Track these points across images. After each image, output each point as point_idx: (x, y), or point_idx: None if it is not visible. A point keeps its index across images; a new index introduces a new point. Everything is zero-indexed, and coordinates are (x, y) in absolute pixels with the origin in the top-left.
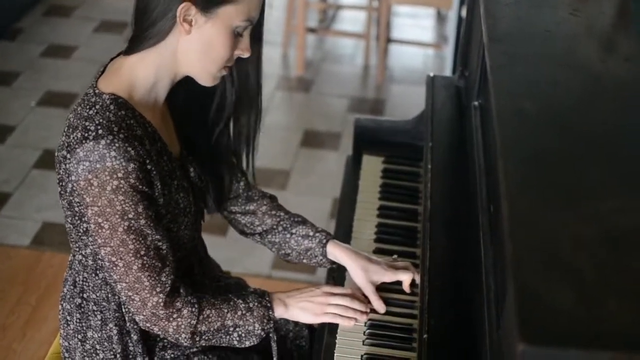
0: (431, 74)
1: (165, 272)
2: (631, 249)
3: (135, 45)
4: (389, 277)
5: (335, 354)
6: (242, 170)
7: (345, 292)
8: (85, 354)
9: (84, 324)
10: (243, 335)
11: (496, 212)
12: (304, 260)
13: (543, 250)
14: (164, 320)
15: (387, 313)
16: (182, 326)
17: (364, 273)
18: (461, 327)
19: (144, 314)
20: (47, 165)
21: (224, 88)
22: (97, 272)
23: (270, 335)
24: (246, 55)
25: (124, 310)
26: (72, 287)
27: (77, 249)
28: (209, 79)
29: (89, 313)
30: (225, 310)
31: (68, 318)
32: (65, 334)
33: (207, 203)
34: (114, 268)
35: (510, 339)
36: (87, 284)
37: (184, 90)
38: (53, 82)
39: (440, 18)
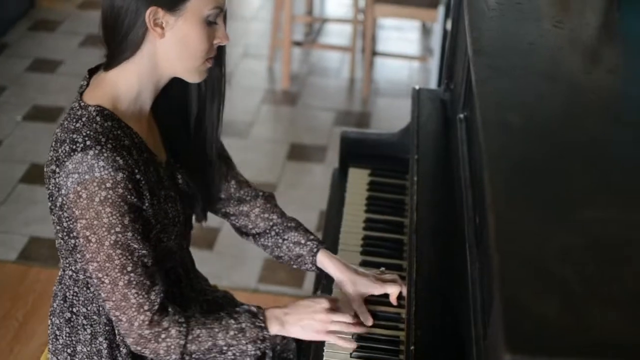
0: (417, 87)
1: (154, 290)
2: (617, 259)
3: (112, 60)
4: (376, 289)
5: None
6: (231, 169)
7: (345, 318)
8: None
9: (73, 338)
10: (237, 354)
11: (482, 223)
12: (294, 266)
13: (529, 261)
14: (152, 342)
15: (374, 325)
16: (172, 347)
17: (351, 285)
18: (448, 338)
19: (133, 336)
20: (34, 179)
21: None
22: (89, 285)
23: (267, 352)
24: (225, 42)
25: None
26: (62, 302)
27: (67, 265)
28: (196, 75)
29: (79, 327)
30: (217, 330)
31: (57, 333)
32: (54, 348)
33: (195, 211)
34: (101, 285)
35: (497, 349)
36: (77, 298)
37: (164, 96)
38: (39, 97)
39: (425, 31)
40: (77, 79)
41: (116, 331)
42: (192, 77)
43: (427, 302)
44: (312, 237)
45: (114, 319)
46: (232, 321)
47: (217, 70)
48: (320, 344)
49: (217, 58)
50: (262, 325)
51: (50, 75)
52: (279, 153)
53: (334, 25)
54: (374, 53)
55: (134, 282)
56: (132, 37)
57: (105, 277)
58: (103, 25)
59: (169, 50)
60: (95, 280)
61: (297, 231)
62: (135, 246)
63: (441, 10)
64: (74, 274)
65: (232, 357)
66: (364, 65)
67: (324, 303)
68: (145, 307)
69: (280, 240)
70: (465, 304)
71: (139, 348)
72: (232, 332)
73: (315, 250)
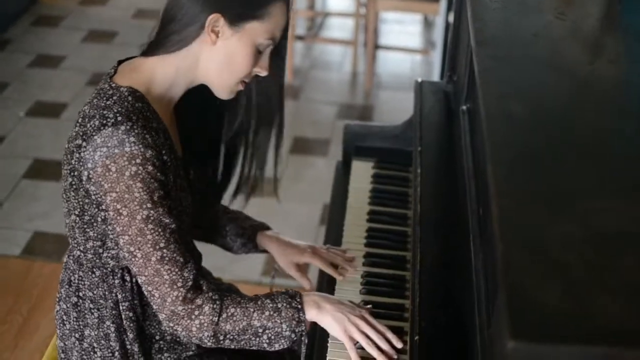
0: (419, 79)
1: (187, 267)
2: (618, 248)
3: (156, 47)
4: (306, 258)
5: (327, 358)
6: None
7: (381, 328)
8: (82, 352)
9: (80, 323)
10: (272, 337)
11: (485, 214)
12: (245, 254)
13: (532, 250)
14: (185, 319)
15: (377, 316)
16: (205, 324)
17: (284, 256)
18: (452, 329)
19: (165, 312)
20: (37, 174)
21: (238, 105)
22: (94, 269)
23: (302, 338)
24: (263, 74)
25: (121, 308)
26: (67, 287)
27: (76, 245)
28: (226, 92)
29: (86, 311)
30: (252, 310)
31: (64, 318)
32: (61, 334)
33: (207, 206)
34: (133, 259)
35: (501, 337)
36: (82, 282)
37: (198, 97)
38: (41, 92)
39: (427, 24)
40: (80, 74)
41: (123, 315)
42: (222, 92)
43: (431, 293)
44: (248, 225)
45: (146, 293)
46: (269, 301)
47: (276, 100)
48: (324, 336)
49: (279, 88)
50: (299, 307)
51: (53, 70)
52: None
53: (336, 19)
54: (376, 46)
55: (167, 259)
56: (185, 33)
57: (137, 251)
58: (163, 13)
59: (213, 59)
60: (127, 254)
61: (235, 222)
62: (167, 221)
63: (443, 2)
64: (82, 254)
65: (267, 340)
66: (367, 59)
67: (365, 312)
68: (179, 284)
69: (225, 233)
70: (469, 294)
71: (171, 324)
72: (267, 313)
73: (252, 236)
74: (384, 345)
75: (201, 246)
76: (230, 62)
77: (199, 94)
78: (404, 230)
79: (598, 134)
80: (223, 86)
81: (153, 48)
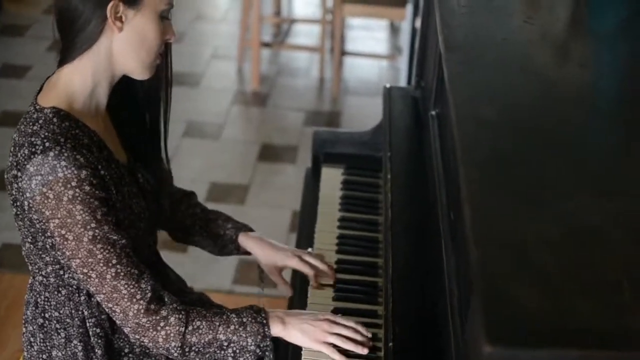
0: (388, 85)
1: (144, 278)
2: (594, 247)
3: (67, 55)
4: (292, 262)
5: None
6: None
7: (349, 323)
8: None
9: (47, 344)
10: (238, 351)
11: (457, 217)
12: (226, 255)
13: (507, 252)
14: (151, 330)
15: None
16: (172, 334)
17: (269, 259)
18: (426, 334)
19: (129, 325)
20: (3, 186)
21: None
22: (60, 289)
23: (267, 353)
24: (173, 39)
25: (88, 325)
26: (34, 309)
27: (37, 270)
28: (146, 71)
29: (52, 332)
30: (217, 324)
31: (31, 340)
32: (29, 356)
33: (162, 206)
34: (88, 280)
35: (476, 342)
36: (48, 303)
37: (118, 96)
38: (8, 102)
39: (394, 30)
40: None
41: (91, 332)
42: (144, 73)
43: (404, 299)
44: (229, 226)
45: (107, 310)
46: (234, 315)
47: (163, 69)
48: (298, 350)
49: (165, 55)
50: (264, 322)
51: (19, 80)
52: (250, 154)
53: (302, 25)
54: (343, 53)
55: (122, 274)
56: (89, 31)
57: (91, 272)
58: (58, 18)
59: (126, 45)
60: (81, 276)
61: (215, 223)
62: (115, 237)
63: (409, 8)
64: (44, 278)
65: (232, 354)
66: (333, 65)
67: (327, 315)
68: (138, 296)
69: (205, 234)
70: (443, 299)
71: (137, 337)
72: (232, 327)
73: (234, 237)
74: (358, 337)
75: (171, 256)
76: (143, 41)
77: (120, 92)
78: (375, 236)
79: (568, 135)
80: (144, 67)
81: (64, 56)
